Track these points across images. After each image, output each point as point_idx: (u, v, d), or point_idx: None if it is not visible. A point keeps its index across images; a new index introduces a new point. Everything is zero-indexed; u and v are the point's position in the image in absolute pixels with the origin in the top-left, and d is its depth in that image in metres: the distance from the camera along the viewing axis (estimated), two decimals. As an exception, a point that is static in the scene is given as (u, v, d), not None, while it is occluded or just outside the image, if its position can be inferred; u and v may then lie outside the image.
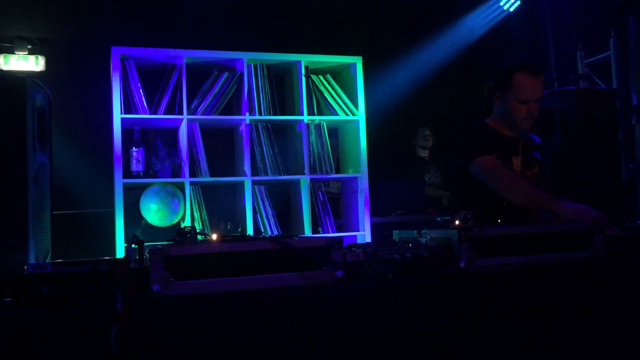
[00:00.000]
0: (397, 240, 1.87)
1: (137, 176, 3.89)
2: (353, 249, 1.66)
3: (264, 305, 1.43)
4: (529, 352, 1.59)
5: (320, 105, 4.29)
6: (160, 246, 1.42)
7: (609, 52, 3.64)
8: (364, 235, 4.15)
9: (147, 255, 1.44)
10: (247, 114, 4.03)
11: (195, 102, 4.01)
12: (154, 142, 3.98)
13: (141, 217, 3.88)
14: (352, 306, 1.49)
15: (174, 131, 4.18)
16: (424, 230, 1.79)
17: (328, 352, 1.44)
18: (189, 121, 3.95)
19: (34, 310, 1.31)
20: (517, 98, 2.54)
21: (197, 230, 1.56)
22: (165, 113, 3.92)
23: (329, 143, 4.20)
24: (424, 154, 5.38)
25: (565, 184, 2.50)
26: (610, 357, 1.65)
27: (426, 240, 1.76)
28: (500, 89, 2.60)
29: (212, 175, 3.99)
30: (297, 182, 4.17)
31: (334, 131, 4.50)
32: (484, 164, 2.52)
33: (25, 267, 1.36)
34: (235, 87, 4.09)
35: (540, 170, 2.68)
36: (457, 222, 1.77)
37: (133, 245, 1.53)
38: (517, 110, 2.56)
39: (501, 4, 5.11)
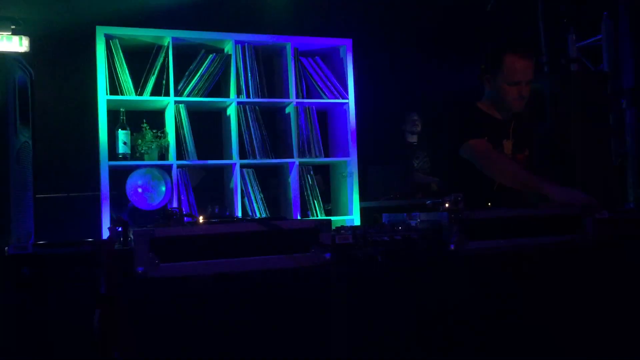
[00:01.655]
0: (386, 223, 1.85)
1: (123, 158, 3.84)
2: (342, 231, 1.64)
3: (251, 287, 1.41)
4: (518, 334, 1.59)
5: (309, 88, 4.25)
6: (145, 228, 1.39)
7: (600, 36, 3.63)
8: (353, 219, 4.14)
9: (132, 237, 1.41)
10: (235, 96, 3.98)
11: (182, 83, 3.95)
12: (140, 124, 3.93)
13: (127, 201, 3.84)
14: (340, 288, 1.47)
15: (160, 113, 4.12)
16: (414, 213, 1.77)
17: (317, 334, 1.42)
18: (176, 103, 3.90)
19: (14, 293, 1.28)
20: (508, 80, 2.50)
21: (184, 213, 1.53)
22: (152, 94, 3.86)
23: (318, 126, 4.17)
24: (413, 139, 5.36)
25: (555, 167, 2.49)
26: (599, 338, 1.65)
27: (416, 223, 1.74)
28: (490, 71, 2.56)
29: (199, 158, 3.95)
30: (286, 165, 4.14)
31: (324, 114, 4.46)
32: (474, 147, 2.49)
33: (6, 248, 1.32)
34: (223, 68, 4.04)
35: (531, 153, 2.66)
36: (447, 205, 1.75)
37: (117, 227, 1.50)
38: (507, 93, 2.52)
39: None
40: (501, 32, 4.89)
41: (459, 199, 1.76)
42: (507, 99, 2.54)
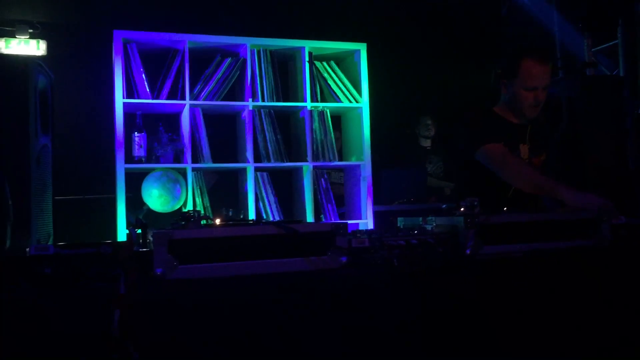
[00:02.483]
0: (402, 227, 1.85)
1: (139, 161, 3.87)
2: (358, 235, 1.64)
3: (268, 290, 1.42)
4: (533, 340, 1.58)
5: (323, 92, 4.27)
6: (164, 229, 1.40)
7: (616, 41, 3.61)
8: (367, 223, 4.14)
9: (151, 239, 1.43)
10: (250, 100, 4.01)
11: (198, 87, 3.98)
12: (156, 127, 3.96)
13: (143, 203, 3.87)
14: (357, 292, 1.47)
15: (176, 116, 4.15)
16: (430, 217, 1.77)
17: (332, 338, 1.43)
18: (192, 106, 3.93)
19: (36, 292, 1.30)
20: (524, 85, 2.49)
21: (201, 215, 1.55)
22: (168, 98, 3.89)
23: (332, 130, 4.18)
24: (426, 143, 5.35)
25: (571, 172, 2.48)
26: (615, 343, 1.64)
27: (432, 227, 1.74)
28: (507, 76, 2.55)
29: (214, 162, 3.98)
30: (300, 169, 4.16)
31: (337, 118, 4.47)
32: (490, 151, 2.49)
33: (27, 249, 1.34)
34: (238, 72, 4.07)
35: (548, 158, 2.66)
36: (462, 209, 1.75)
37: (136, 229, 1.52)
38: (524, 98, 2.51)
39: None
40: (516, 37, 4.88)
41: (475, 203, 1.76)
42: (523, 104, 2.53)
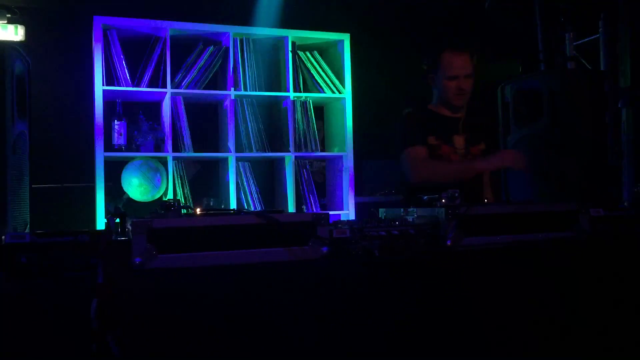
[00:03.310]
0: (383, 218, 1.85)
1: (119, 150, 3.83)
2: (339, 225, 1.64)
3: (249, 279, 1.41)
4: (513, 331, 1.60)
5: (306, 82, 4.25)
6: (143, 218, 1.39)
7: (597, 35, 3.64)
8: (348, 214, 4.14)
9: (130, 228, 1.41)
10: (232, 89, 3.98)
11: (180, 75, 3.94)
12: (137, 115, 3.92)
13: (123, 192, 3.83)
14: (338, 282, 1.47)
15: (157, 105, 4.11)
16: (411, 209, 1.78)
17: (313, 328, 1.42)
18: (173, 95, 3.89)
19: (12, 282, 1.28)
20: (446, 75, 2.65)
21: (181, 204, 1.53)
22: (149, 86, 3.85)
23: (314, 120, 4.17)
24: (409, 134, 5.36)
25: (551, 165, 2.50)
26: (594, 335, 1.66)
27: (413, 219, 1.75)
28: (432, 71, 2.71)
29: (195, 151, 3.95)
30: (282, 159, 4.14)
31: (320, 109, 4.46)
32: (411, 156, 2.65)
33: (3, 237, 1.32)
34: (220, 61, 4.03)
35: (488, 147, 2.75)
36: (443, 201, 1.75)
37: (115, 218, 1.50)
38: (448, 88, 2.66)
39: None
40: (498, 29, 4.90)
41: (456, 195, 1.77)
42: (447, 95, 2.68)
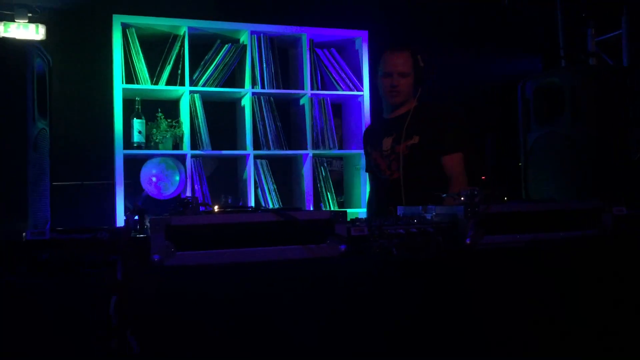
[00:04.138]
0: (401, 216, 1.84)
1: (138, 147, 3.85)
2: (357, 223, 1.63)
3: (267, 277, 1.41)
4: (533, 330, 1.58)
5: (324, 79, 4.24)
6: (162, 215, 1.39)
7: (620, 31, 3.58)
8: (366, 211, 4.12)
9: (148, 225, 1.42)
10: (250, 86, 3.98)
11: (198, 73, 3.95)
12: (155, 113, 3.94)
13: (141, 190, 3.85)
14: (355, 280, 1.46)
15: (175, 102, 4.13)
16: (430, 207, 1.76)
17: (331, 326, 1.42)
18: (191, 93, 3.90)
19: (33, 278, 1.29)
20: (382, 73, 2.72)
21: (199, 201, 1.53)
22: (167, 84, 3.87)
23: (332, 118, 4.16)
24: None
25: (574, 162, 2.46)
26: (615, 335, 1.63)
27: (431, 217, 1.73)
28: (376, 72, 2.80)
29: (213, 149, 3.96)
30: (300, 157, 4.14)
31: (338, 107, 4.45)
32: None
33: (24, 234, 1.33)
34: (238, 59, 4.04)
35: (422, 139, 2.69)
36: (463, 199, 1.73)
37: (134, 215, 1.50)
38: (382, 86, 2.74)
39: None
40: (518, 25, 4.85)
41: (475, 192, 1.75)
42: (383, 93, 2.76)
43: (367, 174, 3.06)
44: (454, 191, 2.42)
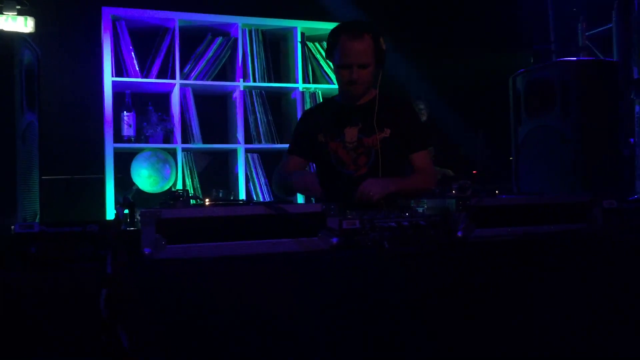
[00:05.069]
0: (393, 209, 1.84)
1: (128, 141, 3.83)
2: (349, 216, 1.63)
3: (258, 270, 1.40)
4: (525, 323, 1.58)
5: (315, 73, 4.23)
6: (152, 209, 1.38)
7: (610, 25, 3.59)
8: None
9: (139, 218, 1.41)
10: (241, 80, 3.96)
11: (188, 66, 3.93)
12: (146, 106, 3.92)
13: (132, 183, 3.84)
14: (347, 273, 1.46)
15: (166, 96, 4.11)
16: (421, 200, 1.76)
17: (322, 319, 1.42)
18: (182, 86, 3.88)
19: (21, 272, 1.28)
20: (340, 63, 2.39)
21: (190, 195, 1.52)
22: (158, 77, 3.85)
23: (323, 112, 4.14)
24: (418, 126, 5.33)
25: (564, 155, 2.48)
26: (606, 327, 1.64)
27: (423, 210, 1.73)
28: (330, 56, 2.46)
29: (204, 142, 3.94)
30: (291, 150, 4.13)
31: (329, 100, 4.44)
32: (284, 163, 2.61)
33: (12, 227, 1.31)
34: (229, 52, 4.02)
35: (395, 133, 2.47)
36: (454, 192, 1.74)
37: (124, 209, 1.49)
38: (340, 76, 2.42)
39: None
40: (509, 18, 4.86)
41: (467, 185, 1.75)
42: (340, 84, 2.46)
43: (289, 159, 2.61)
44: (429, 185, 2.37)
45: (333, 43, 2.41)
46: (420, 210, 1.74)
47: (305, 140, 2.55)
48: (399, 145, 2.47)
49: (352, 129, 2.47)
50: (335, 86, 4.15)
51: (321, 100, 4.12)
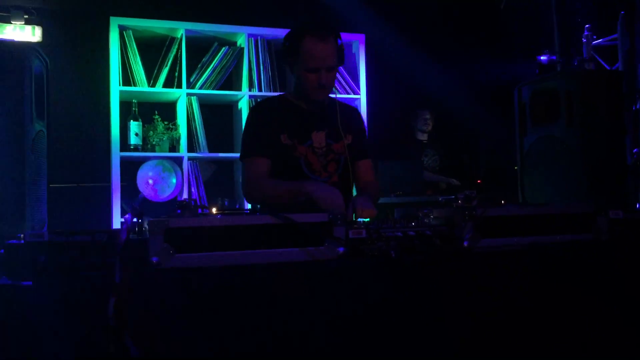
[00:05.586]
0: (399, 218, 1.84)
1: (135, 150, 3.85)
2: (355, 226, 1.63)
3: (265, 279, 1.41)
4: (530, 332, 1.58)
5: (321, 82, 4.24)
6: (160, 218, 1.39)
7: (615, 35, 3.60)
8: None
9: (146, 227, 1.42)
10: (247, 89, 3.98)
11: (195, 76, 3.96)
12: (152, 115, 3.94)
13: (138, 191, 3.85)
14: (354, 283, 1.47)
15: (172, 105, 4.13)
16: (427, 209, 1.77)
17: (329, 328, 1.42)
18: (188, 95, 3.90)
19: (31, 280, 1.29)
20: (306, 66, 2.25)
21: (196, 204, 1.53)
22: (164, 86, 3.87)
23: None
24: (423, 137, 5.34)
25: (569, 166, 2.48)
26: (612, 338, 1.64)
27: (429, 220, 1.74)
28: (291, 56, 2.30)
29: (210, 151, 3.96)
30: (296, 160, 4.14)
31: (334, 109, 4.45)
32: (247, 169, 2.37)
33: (22, 235, 1.33)
34: (235, 61, 4.04)
35: (356, 139, 2.43)
36: (460, 202, 1.74)
37: (133, 217, 1.51)
38: (306, 80, 2.27)
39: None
40: (514, 29, 4.87)
41: (473, 195, 1.75)
42: (307, 87, 2.30)
43: (254, 161, 2.36)
44: (376, 195, 2.38)
45: (295, 45, 2.27)
46: (426, 220, 1.75)
47: (267, 139, 2.34)
48: (355, 152, 2.43)
49: (320, 133, 2.37)
50: (339, 95, 4.17)
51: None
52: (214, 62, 3.99)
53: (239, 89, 4.04)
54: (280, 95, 2.53)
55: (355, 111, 2.58)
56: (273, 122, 2.35)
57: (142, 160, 3.87)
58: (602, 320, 1.65)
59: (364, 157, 2.49)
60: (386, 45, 4.75)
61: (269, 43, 4.09)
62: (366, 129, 2.59)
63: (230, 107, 4.30)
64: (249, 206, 3.92)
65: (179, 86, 3.87)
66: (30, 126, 1.81)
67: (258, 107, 2.48)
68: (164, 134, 3.90)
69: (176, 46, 3.90)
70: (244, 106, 3.99)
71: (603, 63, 3.80)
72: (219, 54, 4.00)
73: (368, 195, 2.31)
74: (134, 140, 3.85)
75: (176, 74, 3.88)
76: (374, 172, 2.54)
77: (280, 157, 2.33)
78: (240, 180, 2.45)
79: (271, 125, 2.34)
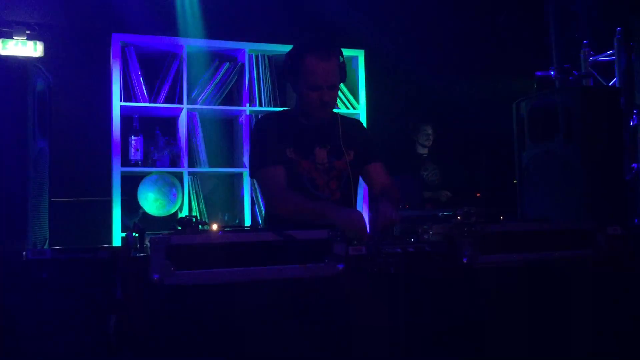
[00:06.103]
0: (399, 235, 1.85)
1: (136, 165, 3.86)
2: (355, 242, 1.64)
3: (265, 296, 1.42)
4: (530, 349, 1.59)
5: (321, 98, 4.26)
6: (161, 235, 1.40)
7: (612, 51, 3.63)
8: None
9: (148, 244, 1.43)
10: (248, 104, 4.01)
11: (196, 91, 3.98)
12: (153, 131, 3.96)
13: (138, 207, 3.86)
14: (353, 300, 1.48)
15: (173, 120, 4.15)
16: (426, 225, 1.78)
17: (329, 345, 1.43)
18: (189, 111, 3.93)
19: (33, 297, 1.29)
20: (307, 84, 2.26)
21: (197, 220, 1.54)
22: (165, 102, 3.89)
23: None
24: (423, 150, 5.36)
25: (568, 181, 2.49)
26: (612, 353, 1.65)
27: (428, 236, 1.75)
28: (293, 74, 2.31)
29: (210, 166, 3.97)
30: (296, 174, 4.15)
31: (334, 124, 4.47)
32: (267, 180, 2.31)
33: (24, 252, 1.34)
34: (236, 77, 4.07)
35: (359, 155, 2.42)
36: (459, 218, 1.75)
37: (134, 234, 1.52)
38: (308, 98, 2.28)
39: None
40: (512, 45, 4.91)
41: (472, 211, 1.77)
42: (310, 106, 2.30)
43: (273, 170, 2.30)
44: (396, 198, 2.34)
45: (297, 64, 2.28)
46: (425, 236, 1.75)
47: (277, 150, 2.33)
48: (358, 168, 2.44)
49: (322, 150, 2.37)
50: (340, 110, 4.19)
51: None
52: (215, 78, 4.01)
53: (240, 104, 4.06)
54: (282, 110, 2.55)
55: (358, 123, 2.59)
56: (278, 136, 2.35)
57: (143, 175, 3.89)
58: (601, 334, 1.66)
59: (374, 160, 2.46)
60: (386, 61, 4.78)
61: (269, 59, 4.11)
62: (372, 136, 2.56)
63: (231, 122, 4.32)
64: (248, 220, 3.94)
65: (180, 102, 3.90)
66: (33, 144, 1.82)
67: (263, 120, 2.48)
68: (164, 148, 3.91)
69: (177, 62, 3.92)
70: (244, 121, 4.01)
71: (600, 79, 3.83)
72: (220, 69, 4.03)
73: (389, 200, 2.24)
74: (134, 155, 3.87)
75: (177, 89, 3.91)
76: (387, 172, 2.50)
77: (287, 170, 2.32)
78: (259, 194, 2.39)
79: (277, 138, 2.35)
